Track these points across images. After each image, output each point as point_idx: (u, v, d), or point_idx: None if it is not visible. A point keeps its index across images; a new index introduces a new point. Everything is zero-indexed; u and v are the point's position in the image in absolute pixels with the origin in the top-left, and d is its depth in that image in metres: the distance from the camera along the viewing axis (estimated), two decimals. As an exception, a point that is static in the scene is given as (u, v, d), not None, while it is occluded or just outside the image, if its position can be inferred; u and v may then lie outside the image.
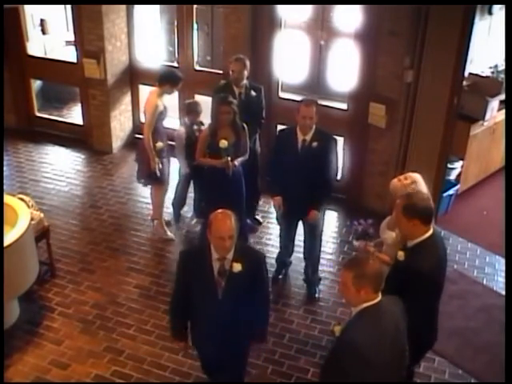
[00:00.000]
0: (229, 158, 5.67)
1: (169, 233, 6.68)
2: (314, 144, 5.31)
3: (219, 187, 5.79)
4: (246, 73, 6.29)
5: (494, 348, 5.27)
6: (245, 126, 5.83)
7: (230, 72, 6.29)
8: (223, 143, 5.59)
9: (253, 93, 6.39)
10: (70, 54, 8.54)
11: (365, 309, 3.31)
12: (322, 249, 6.59)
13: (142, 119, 8.58)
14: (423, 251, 3.83)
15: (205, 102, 7.96)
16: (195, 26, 7.95)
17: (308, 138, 5.33)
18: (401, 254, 3.92)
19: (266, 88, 7.31)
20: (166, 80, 6.15)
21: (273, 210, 6.30)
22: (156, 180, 6.31)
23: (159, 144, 6.14)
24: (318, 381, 4.00)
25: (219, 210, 3.84)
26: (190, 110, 6.52)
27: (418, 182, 4.33)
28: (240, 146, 5.80)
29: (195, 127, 6.47)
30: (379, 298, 3.33)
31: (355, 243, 4.62)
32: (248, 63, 6.29)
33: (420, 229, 3.82)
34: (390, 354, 3.32)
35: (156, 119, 6.12)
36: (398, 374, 3.47)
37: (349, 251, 6.57)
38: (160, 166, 6.17)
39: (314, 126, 5.31)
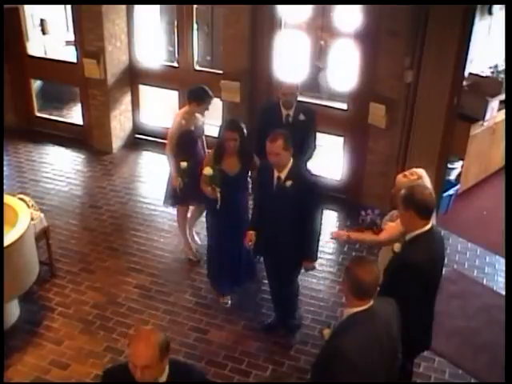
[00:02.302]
0: (217, 190, 5.18)
1: (191, 256, 6.36)
2: (288, 183, 4.72)
3: (216, 220, 5.40)
4: (297, 94, 5.75)
5: (494, 348, 5.28)
6: (255, 155, 5.33)
7: (281, 95, 5.69)
8: (207, 170, 5.10)
9: (302, 116, 5.74)
10: (70, 54, 8.54)
11: (355, 314, 3.32)
12: (322, 249, 6.60)
13: (143, 120, 8.64)
14: (418, 245, 3.87)
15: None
16: (195, 26, 7.95)
17: (282, 175, 4.75)
18: (397, 246, 3.99)
19: (265, 88, 7.35)
20: (192, 98, 5.89)
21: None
22: (178, 199, 6.07)
23: (183, 164, 5.77)
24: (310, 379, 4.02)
25: (144, 329, 3.34)
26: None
27: (424, 178, 4.38)
28: (245, 177, 5.30)
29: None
30: (371, 303, 3.33)
31: None
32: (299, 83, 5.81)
33: (416, 221, 3.86)
34: (380, 358, 3.32)
35: (183, 139, 5.87)
36: (388, 376, 3.47)
37: (349, 251, 6.58)
38: (181, 184, 5.84)
39: (289, 163, 4.72)
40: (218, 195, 5.23)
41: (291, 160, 4.73)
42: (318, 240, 4.99)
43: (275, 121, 5.58)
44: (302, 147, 5.64)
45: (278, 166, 4.71)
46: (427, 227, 3.89)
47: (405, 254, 3.91)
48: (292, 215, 4.78)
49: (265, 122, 5.67)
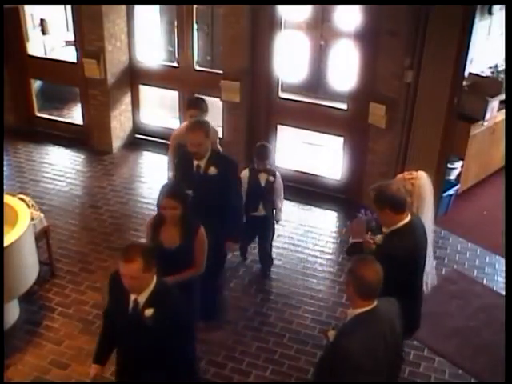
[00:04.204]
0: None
1: None
2: (148, 312, 3.59)
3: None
4: (208, 144, 4.88)
5: (494, 348, 5.27)
6: (201, 227, 4.42)
7: (188, 144, 4.86)
8: None
9: (213, 170, 4.88)
10: (70, 54, 8.54)
11: (360, 315, 3.33)
12: (322, 249, 6.64)
13: (143, 120, 8.64)
14: (397, 238, 3.98)
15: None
16: (195, 26, 7.95)
17: (141, 300, 3.63)
18: (379, 238, 4.09)
19: (265, 88, 7.35)
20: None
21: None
22: None
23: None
24: (312, 379, 4.03)
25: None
26: (257, 154, 5.67)
27: (421, 180, 4.40)
28: (187, 253, 4.36)
29: (263, 175, 5.68)
30: (375, 303, 3.33)
31: None
32: (210, 129, 4.89)
33: (392, 217, 3.97)
34: (384, 358, 3.34)
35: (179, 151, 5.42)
36: (391, 375, 3.49)
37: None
38: None
39: (150, 285, 3.59)
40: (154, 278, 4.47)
41: (154, 279, 3.60)
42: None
43: (188, 170, 4.95)
44: (222, 208, 4.91)
45: (133, 290, 3.60)
46: (406, 220, 3.99)
47: (385, 246, 4.01)
48: (153, 351, 3.67)
49: (180, 171, 5.18)
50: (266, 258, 6.23)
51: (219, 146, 5.98)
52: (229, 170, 4.98)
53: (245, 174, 5.73)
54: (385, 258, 3.86)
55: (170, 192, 4.32)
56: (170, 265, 4.15)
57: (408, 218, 4.01)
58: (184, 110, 5.83)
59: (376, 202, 3.96)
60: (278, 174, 5.85)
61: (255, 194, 5.72)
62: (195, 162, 4.91)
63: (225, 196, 4.91)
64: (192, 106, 5.63)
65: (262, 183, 5.74)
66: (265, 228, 6.04)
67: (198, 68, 8.06)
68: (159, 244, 4.36)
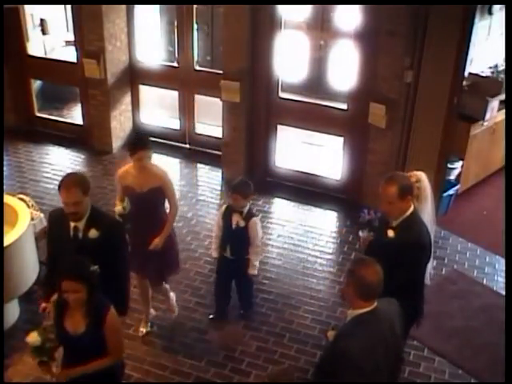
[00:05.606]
0: (53, 366, 3.85)
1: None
2: None
3: None
4: (87, 202, 4.07)
5: (494, 348, 5.28)
6: (111, 308, 3.72)
7: (62, 203, 4.07)
8: (33, 337, 3.71)
9: (93, 233, 4.08)
10: (70, 54, 8.54)
11: (360, 315, 3.32)
12: (322, 249, 6.63)
13: (143, 120, 8.64)
14: (412, 225, 4.04)
15: (206, 102, 8.02)
16: (195, 26, 7.95)
17: None
18: (391, 232, 4.09)
19: (265, 88, 7.35)
20: None
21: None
22: None
23: (118, 208, 4.96)
24: (312, 379, 4.03)
25: None
26: (230, 189, 5.12)
27: (424, 182, 4.42)
28: (96, 342, 3.68)
29: (236, 217, 5.09)
30: (375, 304, 3.33)
31: (360, 233, 4.62)
32: (88, 184, 4.08)
33: (409, 203, 4.06)
34: (385, 359, 3.34)
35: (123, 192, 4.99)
36: (392, 376, 3.48)
37: (349, 251, 6.59)
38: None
39: None
40: (54, 369, 3.87)
41: None
42: None
43: (62, 234, 4.16)
44: (105, 277, 3.82)
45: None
46: (412, 208, 4.08)
47: (403, 236, 4.01)
48: None
49: (52, 235, 4.41)
50: (243, 298, 5.67)
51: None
52: (113, 233, 4.18)
53: (222, 209, 5.27)
54: (402, 248, 3.95)
55: (71, 272, 3.57)
56: (78, 353, 3.75)
57: (413, 207, 4.10)
58: (129, 150, 4.89)
59: (402, 193, 3.98)
60: (254, 220, 5.11)
61: (224, 234, 5.19)
62: (72, 224, 4.10)
63: (108, 263, 3.95)
64: (142, 146, 4.78)
65: (233, 225, 5.10)
66: (237, 273, 5.37)
67: (198, 68, 8.07)
68: (63, 330, 3.73)
